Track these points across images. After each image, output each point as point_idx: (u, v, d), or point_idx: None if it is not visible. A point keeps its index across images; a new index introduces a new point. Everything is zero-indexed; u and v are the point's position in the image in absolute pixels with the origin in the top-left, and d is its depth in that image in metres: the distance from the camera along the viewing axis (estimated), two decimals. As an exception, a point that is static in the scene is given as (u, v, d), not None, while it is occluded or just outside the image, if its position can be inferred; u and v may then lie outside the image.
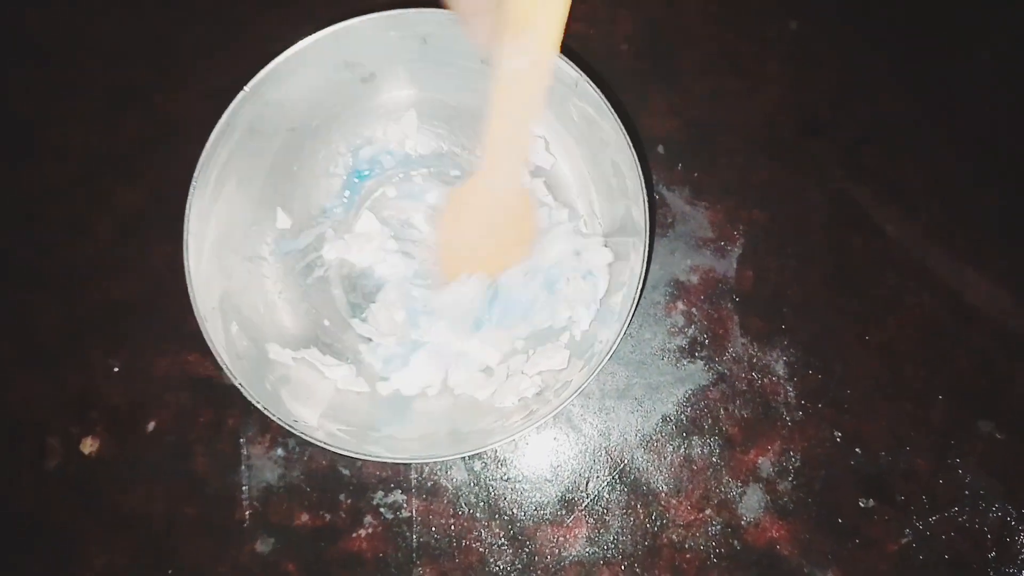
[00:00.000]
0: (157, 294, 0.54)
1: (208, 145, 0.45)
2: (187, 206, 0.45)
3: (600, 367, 0.43)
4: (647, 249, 0.44)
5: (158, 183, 0.55)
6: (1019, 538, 0.51)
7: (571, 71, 0.43)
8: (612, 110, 0.44)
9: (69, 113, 0.56)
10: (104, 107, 0.56)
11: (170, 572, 0.52)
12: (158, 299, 0.54)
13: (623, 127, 0.44)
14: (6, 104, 0.57)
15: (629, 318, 0.43)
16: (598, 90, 0.43)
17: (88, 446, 0.53)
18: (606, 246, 0.48)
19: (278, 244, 0.51)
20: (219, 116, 0.47)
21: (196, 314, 0.44)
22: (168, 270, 0.54)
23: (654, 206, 0.52)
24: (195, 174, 0.45)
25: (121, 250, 0.55)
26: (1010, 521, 0.51)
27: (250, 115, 0.46)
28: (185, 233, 0.45)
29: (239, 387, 0.44)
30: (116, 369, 0.54)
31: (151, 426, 0.53)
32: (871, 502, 0.51)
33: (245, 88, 0.45)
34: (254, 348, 0.47)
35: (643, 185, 0.44)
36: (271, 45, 0.49)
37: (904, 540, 0.51)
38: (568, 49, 0.44)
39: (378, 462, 0.52)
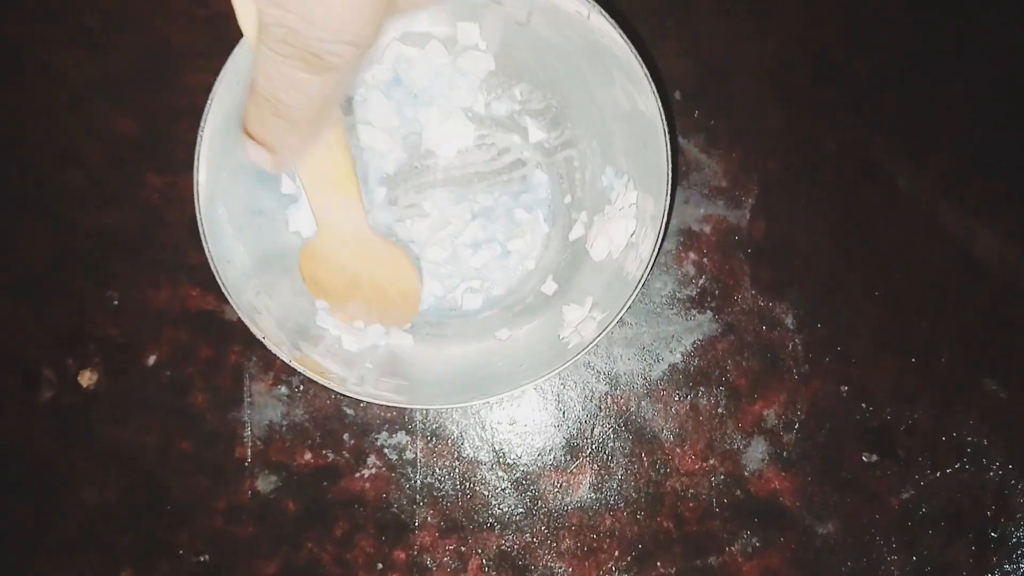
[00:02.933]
0: (152, 225, 0.53)
1: (213, 90, 0.43)
2: (196, 156, 0.43)
3: (615, 321, 0.43)
4: (668, 200, 0.43)
5: (153, 111, 0.54)
6: (1018, 497, 0.51)
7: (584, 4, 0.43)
8: (638, 56, 0.43)
9: (60, 35, 0.54)
10: (98, 30, 0.54)
11: (168, 507, 0.51)
12: (154, 230, 0.53)
13: (647, 71, 0.43)
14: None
15: (648, 267, 0.43)
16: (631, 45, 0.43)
17: (87, 379, 0.52)
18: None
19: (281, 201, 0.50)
20: (218, 43, 0.45)
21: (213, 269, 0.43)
22: (164, 200, 0.53)
23: (676, 152, 0.51)
24: (200, 132, 0.43)
25: (114, 179, 0.53)
26: (1010, 480, 0.51)
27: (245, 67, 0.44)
28: (196, 186, 0.43)
29: (246, 321, 0.43)
30: (116, 302, 0.52)
31: (151, 360, 0.52)
32: (874, 457, 0.51)
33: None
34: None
35: (666, 131, 0.43)
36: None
37: (905, 495, 0.51)
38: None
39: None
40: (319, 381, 0.44)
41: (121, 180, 0.53)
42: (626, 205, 0.47)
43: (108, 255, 0.53)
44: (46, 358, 0.52)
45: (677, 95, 0.53)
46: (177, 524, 0.51)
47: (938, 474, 0.51)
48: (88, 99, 0.54)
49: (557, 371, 0.45)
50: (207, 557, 0.51)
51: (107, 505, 0.52)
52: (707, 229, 0.52)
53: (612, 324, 0.44)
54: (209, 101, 0.44)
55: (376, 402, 0.45)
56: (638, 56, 0.43)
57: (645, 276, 0.44)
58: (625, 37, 0.43)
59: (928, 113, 0.53)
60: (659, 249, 0.43)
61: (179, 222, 0.53)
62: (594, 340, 0.44)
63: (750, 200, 0.53)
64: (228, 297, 0.44)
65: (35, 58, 0.54)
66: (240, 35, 0.42)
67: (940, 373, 0.52)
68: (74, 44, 0.54)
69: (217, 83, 0.44)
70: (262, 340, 0.44)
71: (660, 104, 0.43)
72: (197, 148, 0.44)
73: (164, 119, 0.53)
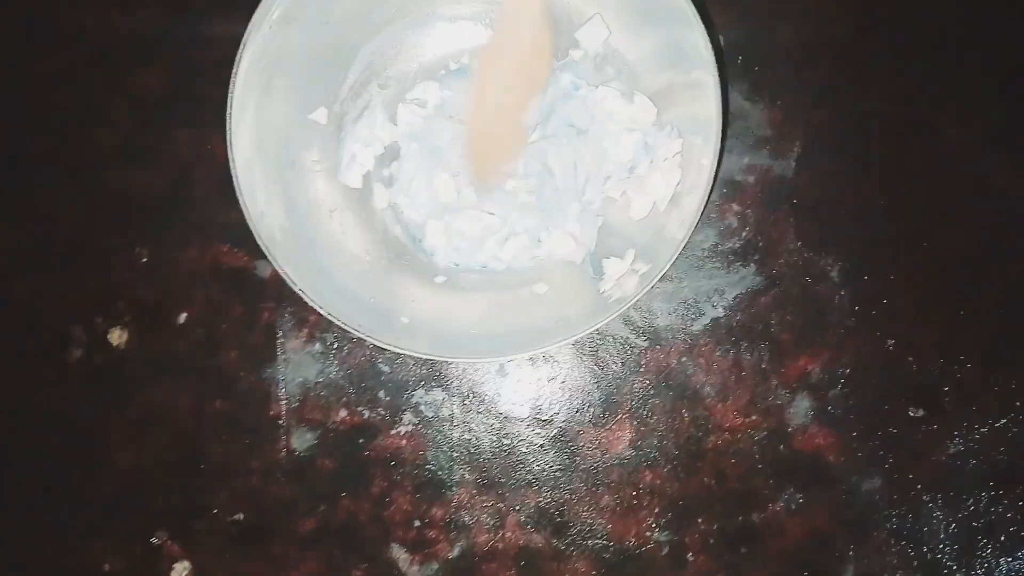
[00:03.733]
0: (182, 182, 0.52)
1: (246, 36, 0.42)
2: (228, 103, 0.42)
3: (660, 275, 0.42)
4: (718, 148, 0.42)
5: (178, 65, 0.52)
6: (1068, 451, 0.50)
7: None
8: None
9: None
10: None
11: (202, 467, 0.51)
12: (183, 187, 0.52)
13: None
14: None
15: (698, 217, 0.42)
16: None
17: (116, 337, 0.51)
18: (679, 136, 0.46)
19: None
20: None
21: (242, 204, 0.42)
22: (193, 157, 0.52)
23: (727, 103, 0.50)
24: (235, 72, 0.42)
25: (141, 136, 0.52)
26: (1059, 434, 0.50)
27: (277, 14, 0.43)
28: (228, 124, 0.42)
29: (283, 274, 0.42)
30: (144, 260, 0.51)
31: (182, 318, 0.51)
32: (920, 412, 0.50)
33: None
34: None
35: (717, 75, 0.42)
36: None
37: (952, 450, 0.50)
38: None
39: (419, 359, 0.50)
40: (356, 334, 0.43)
41: (149, 137, 0.52)
42: (671, 155, 0.46)
43: (137, 213, 0.52)
44: (75, 316, 0.51)
45: (720, 40, 0.51)
46: (212, 484, 0.51)
47: (985, 429, 0.50)
48: (114, 54, 0.52)
49: (599, 325, 0.44)
50: (243, 516, 0.51)
51: (141, 466, 0.51)
52: (751, 180, 0.51)
53: (657, 279, 0.43)
54: (240, 51, 0.42)
55: (414, 354, 0.44)
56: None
57: (693, 227, 0.42)
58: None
59: (977, 65, 0.52)
60: (708, 199, 0.42)
61: (208, 178, 0.51)
62: (638, 295, 0.43)
63: (795, 150, 0.51)
64: (265, 251, 0.42)
65: (59, 14, 0.53)
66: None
67: (988, 327, 0.51)
68: (98, -1, 0.53)
69: (248, 33, 0.43)
70: (299, 293, 0.42)
71: (709, 45, 0.42)
72: (229, 100, 0.42)
73: (192, 73, 0.52)
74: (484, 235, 0.49)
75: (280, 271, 0.42)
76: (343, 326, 0.43)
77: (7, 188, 0.52)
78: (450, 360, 0.49)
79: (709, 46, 0.41)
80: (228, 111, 0.42)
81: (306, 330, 0.51)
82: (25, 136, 0.52)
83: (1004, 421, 0.50)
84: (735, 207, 0.51)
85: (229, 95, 0.42)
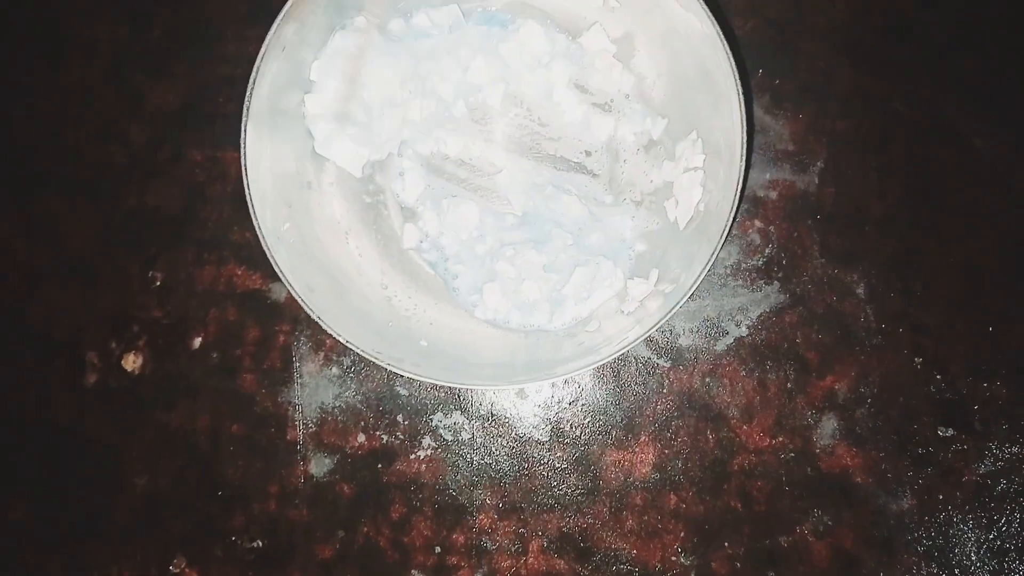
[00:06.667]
0: (196, 201, 0.51)
1: (259, 59, 0.41)
2: (242, 128, 0.41)
3: (689, 294, 0.42)
4: (743, 163, 0.41)
5: (192, 83, 0.52)
6: (1102, 469, 0.49)
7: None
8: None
9: (96, 6, 0.52)
10: (134, 1, 0.52)
11: (219, 492, 0.50)
12: (197, 206, 0.51)
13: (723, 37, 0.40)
14: (31, -3, 0.53)
15: (723, 237, 0.41)
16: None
17: (131, 363, 0.50)
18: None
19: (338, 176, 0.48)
20: (258, 10, 0.43)
21: (260, 237, 0.41)
22: (206, 175, 0.51)
23: (751, 118, 0.49)
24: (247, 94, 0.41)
25: (155, 154, 0.52)
26: (1094, 452, 0.49)
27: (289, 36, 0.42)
28: (243, 161, 0.41)
29: (299, 300, 0.41)
30: (158, 283, 0.51)
31: (197, 342, 0.50)
32: (950, 431, 0.49)
33: None
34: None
35: (740, 91, 0.41)
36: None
37: (983, 470, 0.49)
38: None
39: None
40: (376, 362, 0.42)
41: (162, 156, 0.51)
42: (692, 167, 0.45)
43: (150, 234, 0.51)
44: (90, 341, 0.51)
45: (741, 51, 0.50)
46: (230, 509, 0.50)
47: (1016, 447, 0.49)
48: (126, 72, 0.52)
49: (627, 348, 0.43)
50: (262, 543, 0.50)
51: (159, 490, 0.50)
52: (773, 195, 0.50)
53: (684, 300, 0.42)
54: (254, 73, 0.42)
55: (434, 382, 0.43)
56: (709, 13, 0.41)
57: (720, 246, 0.41)
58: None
59: (1005, 70, 0.50)
60: (735, 216, 0.41)
61: (222, 198, 0.51)
62: (664, 317, 0.42)
63: (818, 164, 0.50)
64: (281, 276, 0.42)
65: (71, 31, 0.52)
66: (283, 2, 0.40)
67: (1018, 343, 0.50)
68: (110, 15, 0.52)
69: (262, 53, 0.42)
70: (316, 320, 0.42)
71: (732, 63, 0.41)
72: (243, 124, 0.42)
73: (204, 91, 0.51)
74: (550, 295, 0.48)
75: (295, 296, 0.42)
76: (361, 353, 0.42)
77: (21, 207, 0.51)
78: (469, 387, 0.48)
79: (732, 60, 0.40)
80: (242, 135, 0.41)
81: (323, 353, 0.50)
82: (38, 154, 0.52)
83: (1036, 439, 0.49)
84: (757, 223, 0.50)
85: (243, 119, 0.41)
